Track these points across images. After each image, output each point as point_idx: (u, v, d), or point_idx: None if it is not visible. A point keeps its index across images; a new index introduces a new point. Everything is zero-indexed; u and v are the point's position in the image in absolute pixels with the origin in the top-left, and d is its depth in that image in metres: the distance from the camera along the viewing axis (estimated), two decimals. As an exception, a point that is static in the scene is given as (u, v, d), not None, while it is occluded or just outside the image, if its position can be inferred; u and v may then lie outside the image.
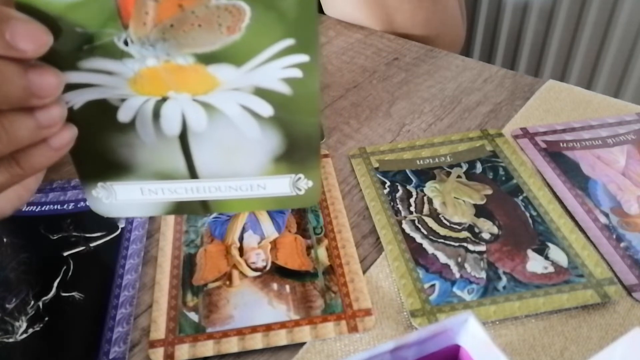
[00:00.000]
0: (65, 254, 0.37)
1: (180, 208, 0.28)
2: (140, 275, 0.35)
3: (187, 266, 0.36)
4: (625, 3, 0.85)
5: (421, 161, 0.43)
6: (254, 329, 0.32)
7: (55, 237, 0.38)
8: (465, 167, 0.42)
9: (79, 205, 0.41)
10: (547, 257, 0.35)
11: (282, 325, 0.32)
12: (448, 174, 0.42)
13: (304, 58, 0.23)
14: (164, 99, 0.24)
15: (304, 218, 0.39)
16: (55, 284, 0.35)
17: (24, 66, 0.21)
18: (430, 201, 0.39)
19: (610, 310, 0.32)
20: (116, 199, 0.28)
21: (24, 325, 0.32)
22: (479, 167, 0.42)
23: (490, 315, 0.32)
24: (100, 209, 0.28)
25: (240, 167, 0.27)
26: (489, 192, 0.40)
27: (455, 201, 0.39)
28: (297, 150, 0.26)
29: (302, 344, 0.31)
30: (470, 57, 0.58)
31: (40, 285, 0.35)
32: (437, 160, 0.43)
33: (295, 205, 0.28)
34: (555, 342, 0.31)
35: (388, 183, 0.41)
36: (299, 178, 0.27)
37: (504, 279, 0.33)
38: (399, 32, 0.64)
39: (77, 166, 0.27)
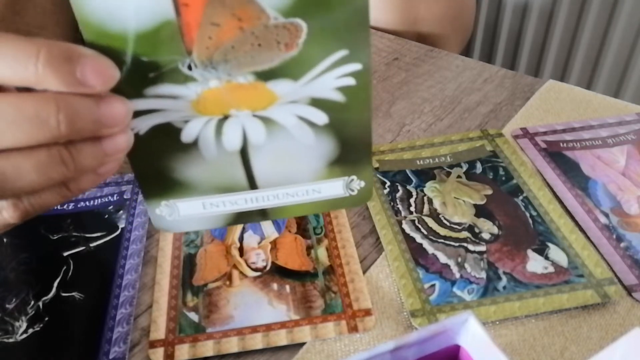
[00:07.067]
0: (65, 254, 0.37)
1: (239, 218, 0.29)
2: (140, 275, 0.35)
3: (187, 266, 0.36)
4: (625, 3, 0.85)
5: (421, 161, 0.43)
6: (254, 329, 0.32)
7: (55, 237, 0.38)
8: (465, 167, 0.42)
9: (79, 205, 0.41)
10: (547, 257, 0.35)
11: (282, 325, 0.32)
12: (448, 174, 0.42)
13: (357, 67, 0.24)
14: (226, 117, 0.25)
15: (304, 218, 0.39)
16: (55, 284, 0.35)
17: (96, 99, 0.22)
18: (430, 201, 0.39)
19: (610, 310, 0.32)
20: (179, 215, 0.28)
21: (24, 325, 0.32)
22: (479, 167, 0.42)
23: (490, 315, 0.32)
24: (163, 226, 0.28)
25: (297, 174, 0.27)
26: (489, 192, 0.40)
27: (455, 201, 0.39)
28: (350, 153, 0.27)
29: (302, 344, 0.31)
30: (470, 57, 0.58)
31: (40, 285, 0.35)
32: (437, 160, 0.43)
33: (348, 206, 0.29)
34: (555, 342, 0.31)
35: (388, 183, 0.41)
36: (352, 180, 0.28)
37: (504, 279, 0.33)
38: (417, 28, 0.67)
39: (142, 188, 0.27)
